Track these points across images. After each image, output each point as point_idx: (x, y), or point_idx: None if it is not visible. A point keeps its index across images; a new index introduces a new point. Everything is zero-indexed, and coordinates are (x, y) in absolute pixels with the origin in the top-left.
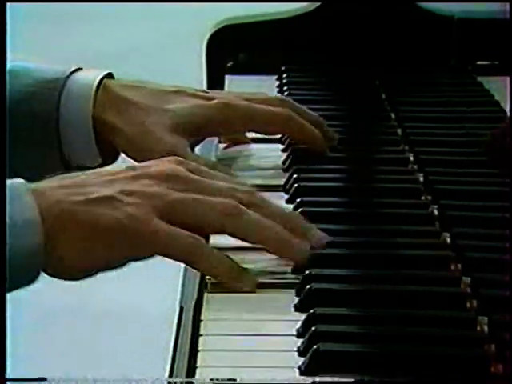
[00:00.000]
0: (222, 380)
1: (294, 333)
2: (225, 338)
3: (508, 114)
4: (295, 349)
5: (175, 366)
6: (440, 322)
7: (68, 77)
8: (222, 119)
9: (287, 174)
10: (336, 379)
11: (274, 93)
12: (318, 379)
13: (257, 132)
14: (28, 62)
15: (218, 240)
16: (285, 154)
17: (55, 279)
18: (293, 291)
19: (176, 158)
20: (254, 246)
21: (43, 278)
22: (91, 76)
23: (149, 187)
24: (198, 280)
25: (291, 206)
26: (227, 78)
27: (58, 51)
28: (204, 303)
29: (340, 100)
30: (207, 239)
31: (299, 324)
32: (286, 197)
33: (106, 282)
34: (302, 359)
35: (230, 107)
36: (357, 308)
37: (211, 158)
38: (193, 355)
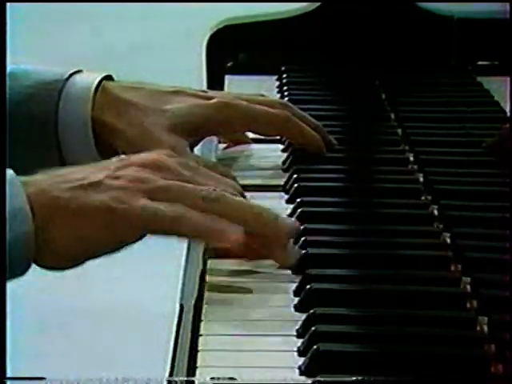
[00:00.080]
0: (223, 379)
1: (294, 333)
2: (225, 337)
3: (508, 114)
4: (295, 349)
5: (175, 366)
6: (440, 322)
7: (67, 79)
8: (221, 119)
9: (287, 174)
10: (336, 379)
11: (273, 93)
12: (318, 379)
13: (256, 133)
14: (28, 64)
15: None
16: (285, 154)
17: (55, 278)
18: (292, 291)
19: (167, 150)
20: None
21: (43, 277)
22: (90, 78)
23: (136, 173)
24: (197, 279)
25: (291, 206)
26: (227, 78)
27: (58, 51)
28: (204, 303)
29: (340, 100)
30: None
31: (299, 324)
32: (286, 197)
33: (106, 282)
34: (302, 359)
35: (229, 107)
36: (357, 308)
37: (211, 158)
38: (193, 355)
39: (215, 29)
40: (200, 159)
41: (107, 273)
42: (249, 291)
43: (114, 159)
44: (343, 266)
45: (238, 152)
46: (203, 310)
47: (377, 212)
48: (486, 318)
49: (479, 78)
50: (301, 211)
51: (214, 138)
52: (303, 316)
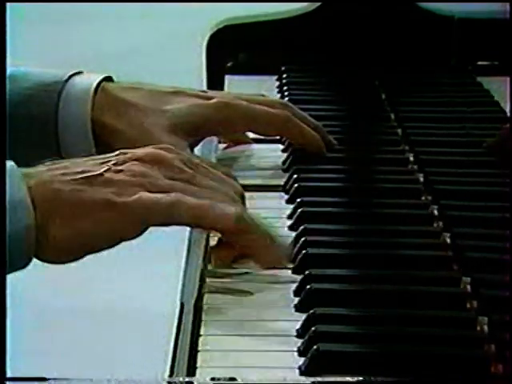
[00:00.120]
0: (223, 380)
1: (294, 333)
2: (225, 338)
3: (508, 114)
4: (295, 349)
5: (175, 366)
6: (440, 322)
7: (67, 80)
8: (220, 118)
9: (287, 174)
10: (336, 379)
11: (274, 93)
12: (318, 379)
13: (256, 133)
14: (28, 65)
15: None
16: (285, 154)
17: (55, 278)
18: (292, 291)
19: (168, 146)
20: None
21: (43, 277)
22: (90, 79)
23: (136, 167)
24: (197, 280)
25: (291, 206)
26: (227, 78)
27: (58, 51)
28: (204, 303)
29: (340, 100)
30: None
31: (299, 324)
32: (286, 197)
33: (106, 282)
34: (302, 359)
35: (229, 107)
36: (357, 308)
37: (211, 158)
38: (193, 355)
39: (215, 29)
40: (200, 159)
41: (107, 273)
42: (249, 291)
43: (116, 152)
44: (343, 266)
45: (238, 152)
46: (203, 311)
47: (377, 212)
48: (486, 318)
49: (479, 78)
50: (301, 211)
51: (214, 138)
52: (303, 316)
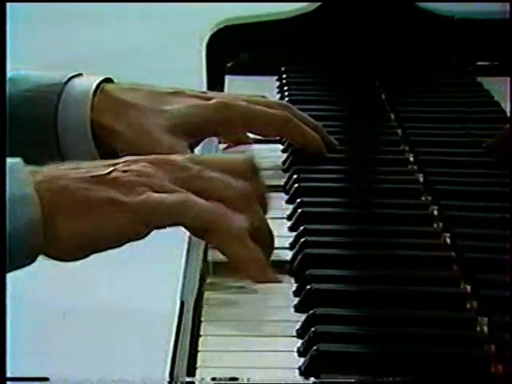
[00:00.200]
0: (224, 380)
1: (294, 333)
2: (225, 338)
3: (508, 114)
4: (295, 349)
5: (175, 366)
6: (440, 322)
7: (66, 82)
8: (220, 119)
9: (287, 175)
10: (336, 380)
11: (274, 93)
12: (317, 380)
13: (255, 133)
14: (28, 64)
15: None
16: (285, 155)
17: (55, 279)
18: (292, 292)
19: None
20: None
21: (43, 277)
22: (89, 81)
23: (143, 168)
24: (197, 279)
25: (291, 207)
26: (227, 78)
27: (58, 51)
28: (204, 303)
29: (340, 100)
30: None
31: (299, 324)
32: (286, 197)
33: (106, 282)
34: (302, 360)
35: (228, 107)
36: (357, 308)
37: None
38: (193, 355)
39: (215, 29)
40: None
41: (107, 272)
42: (249, 291)
43: (124, 158)
44: (343, 266)
45: (238, 152)
46: (203, 311)
47: (377, 212)
48: (486, 319)
49: (479, 79)
50: (301, 211)
51: (214, 139)
52: (303, 316)
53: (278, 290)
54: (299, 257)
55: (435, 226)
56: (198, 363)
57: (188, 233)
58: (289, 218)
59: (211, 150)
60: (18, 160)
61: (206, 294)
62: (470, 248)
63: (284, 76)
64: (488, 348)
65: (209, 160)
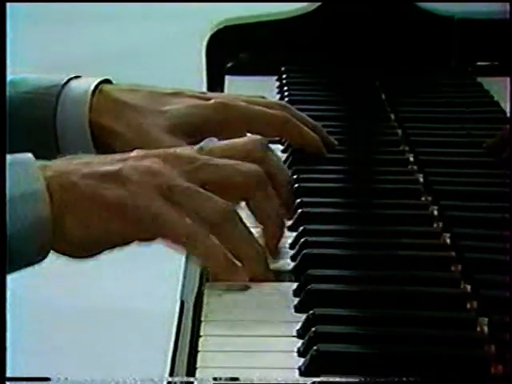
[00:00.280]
0: (225, 380)
1: (294, 333)
2: (224, 338)
3: (508, 114)
4: (295, 349)
5: (175, 366)
6: (440, 322)
7: (65, 84)
8: (219, 119)
9: None
10: (336, 380)
11: (274, 93)
12: (317, 380)
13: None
14: (27, 64)
15: None
16: (285, 155)
17: (55, 278)
18: (292, 292)
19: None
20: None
21: (43, 277)
22: (88, 82)
23: (156, 165)
24: (197, 279)
25: None
26: (227, 78)
27: (58, 51)
28: (204, 304)
29: (340, 100)
30: None
31: (299, 325)
32: None
33: (106, 282)
34: (302, 360)
35: (228, 107)
36: (357, 309)
37: None
38: (192, 355)
39: (215, 29)
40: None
41: (107, 272)
42: (249, 292)
43: (134, 152)
44: (343, 266)
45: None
46: (203, 311)
47: (377, 213)
48: (486, 319)
49: (479, 79)
50: (300, 212)
51: (214, 139)
52: (303, 317)
53: (278, 291)
54: (299, 257)
55: (435, 226)
56: (198, 363)
57: None
58: (289, 218)
59: None
60: (28, 155)
61: (206, 294)
62: (469, 248)
63: (284, 76)
64: (488, 348)
65: (216, 147)
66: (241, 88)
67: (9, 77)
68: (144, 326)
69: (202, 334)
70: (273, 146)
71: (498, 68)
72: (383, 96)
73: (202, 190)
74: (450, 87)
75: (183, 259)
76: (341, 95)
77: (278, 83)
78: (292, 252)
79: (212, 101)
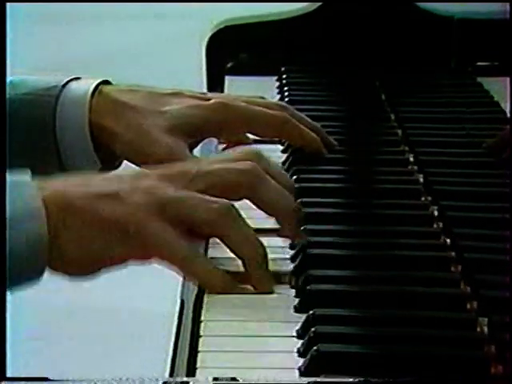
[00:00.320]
0: (224, 380)
1: (294, 334)
2: (225, 338)
3: (508, 114)
4: (295, 350)
5: (175, 367)
6: (440, 323)
7: (64, 85)
8: (219, 119)
9: None
10: (336, 380)
11: (274, 94)
12: (317, 380)
13: (254, 134)
14: (27, 64)
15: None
16: (285, 155)
17: (55, 278)
18: (292, 292)
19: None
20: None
21: (43, 277)
22: (87, 83)
23: (154, 186)
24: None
25: None
26: (227, 78)
27: (58, 51)
28: (204, 304)
29: (340, 101)
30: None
31: (299, 325)
32: None
33: (106, 282)
34: (302, 360)
35: (227, 108)
36: (357, 309)
37: None
38: (192, 356)
39: (215, 29)
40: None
41: (107, 272)
42: (248, 292)
43: (130, 170)
44: (343, 266)
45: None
46: (203, 311)
47: (377, 213)
48: (486, 319)
49: (479, 79)
50: None
51: (214, 140)
52: (303, 317)
53: (278, 291)
54: (299, 257)
55: (435, 226)
56: (198, 363)
57: None
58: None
59: (211, 150)
60: (25, 173)
61: (206, 294)
62: (469, 248)
63: (284, 76)
64: (488, 349)
65: (210, 157)
66: (241, 88)
67: (8, 78)
68: (144, 326)
69: (201, 334)
70: (273, 147)
71: (498, 68)
72: (383, 96)
73: (197, 194)
74: (450, 87)
75: None
76: (341, 95)
77: (277, 83)
78: (292, 252)
79: (212, 101)
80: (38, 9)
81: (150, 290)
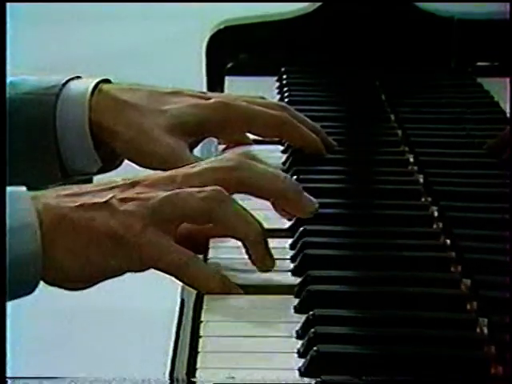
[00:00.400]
0: (225, 380)
1: (294, 334)
2: (224, 339)
3: (508, 114)
4: (295, 350)
5: (175, 367)
6: (440, 323)
7: (64, 84)
8: (219, 119)
9: None
10: (336, 381)
11: (274, 94)
12: (317, 380)
13: (254, 134)
14: (27, 64)
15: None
16: (285, 156)
17: None
18: (292, 293)
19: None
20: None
21: None
22: (87, 82)
23: (144, 193)
24: None
25: None
26: (227, 78)
27: (58, 51)
28: (204, 304)
29: (340, 101)
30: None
31: (299, 325)
32: None
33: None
34: (302, 361)
35: (228, 107)
36: (356, 309)
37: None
38: (192, 356)
39: (215, 30)
40: (200, 160)
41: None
42: (248, 292)
43: (121, 179)
44: (343, 267)
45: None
46: (203, 311)
47: (377, 213)
48: (485, 320)
49: (479, 79)
50: None
51: (214, 139)
52: (303, 317)
53: (278, 291)
54: (299, 258)
55: (435, 226)
56: (198, 364)
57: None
58: (288, 218)
59: (211, 150)
60: (20, 188)
61: (206, 294)
62: (469, 249)
63: (284, 77)
64: (488, 349)
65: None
66: (241, 88)
67: (8, 78)
68: (144, 326)
69: (202, 334)
70: (273, 147)
71: (498, 68)
72: (383, 96)
73: (184, 189)
74: (450, 88)
75: None
76: (341, 96)
77: (277, 84)
78: (292, 252)
79: (212, 100)
80: (38, 9)
81: (150, 290)
